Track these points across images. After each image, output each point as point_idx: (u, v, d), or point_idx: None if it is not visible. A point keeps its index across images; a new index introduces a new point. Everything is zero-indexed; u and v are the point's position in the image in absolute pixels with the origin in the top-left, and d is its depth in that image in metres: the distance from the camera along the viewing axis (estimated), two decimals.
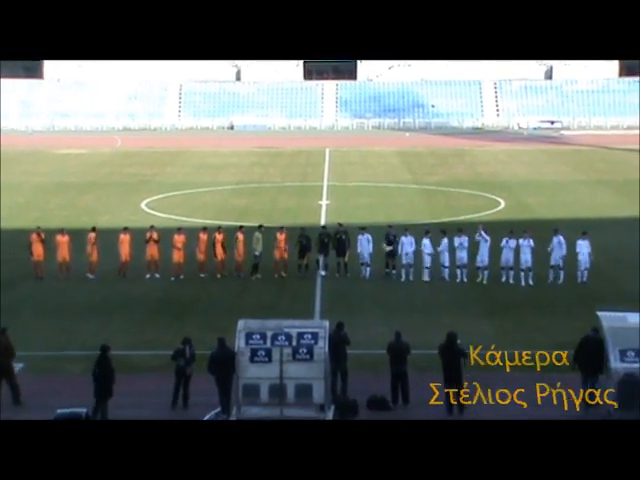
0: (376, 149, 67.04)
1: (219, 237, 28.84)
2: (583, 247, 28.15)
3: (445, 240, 28.65)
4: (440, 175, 53.24)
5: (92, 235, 29.21)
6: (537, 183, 49.50)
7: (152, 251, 29.15)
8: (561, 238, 28.56)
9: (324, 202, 43.81)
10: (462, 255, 28.59)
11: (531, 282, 28.20)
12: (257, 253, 28.47)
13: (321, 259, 29.35)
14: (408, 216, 38.91)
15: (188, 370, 18.58)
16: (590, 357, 17.73)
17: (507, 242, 28.15)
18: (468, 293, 27.54)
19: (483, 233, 28.63)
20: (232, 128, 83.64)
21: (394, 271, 28.96)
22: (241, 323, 18.27)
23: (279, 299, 27.12)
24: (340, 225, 30.25)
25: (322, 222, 37.82)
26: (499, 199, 44.00)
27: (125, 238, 29.10)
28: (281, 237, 28.83)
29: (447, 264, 28.58)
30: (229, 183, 50.46)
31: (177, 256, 28.68)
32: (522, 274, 28.29)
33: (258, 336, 17.79)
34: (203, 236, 28.89)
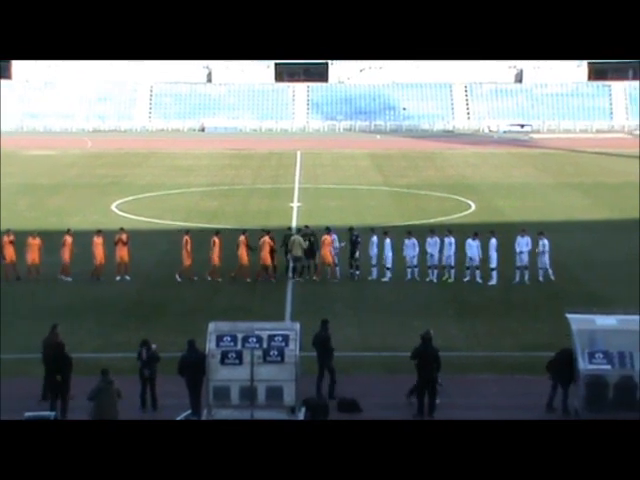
0: (347, 151, 67.17)
1: (243, 239, 28.68)
2: (540, 246, 28.55)
3: (413, 240, 28.99)
4: (411, 177, 53.48)
5: (68, 237, 29.03)
6: (507, 186, 49.87)
7: (121, 253, 29.01)
8: (529, 239, 28.92)
9: (295, 204, 43.88)
10: (433, 255, 28.92)
11: (494, 282, 28.59)
12: (298, 255, 28.51)
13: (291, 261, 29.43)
14: (379, 218, 39.06)
15: (145, 372, 18.46)
16: (564, 366, 17.71)
17: (473, 241, 28.66)
18: (437, 293, 27.74)
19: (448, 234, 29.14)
20: (203, 130, 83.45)
21: (357, 272, 29.15)
22: (212, 325, 18.27)
23: (250, 302, 27.13)
24: (307, 227, 30.33)
25: (293, 224, 37.96)
26: (469, 202, 44.34)
27: (99, 241, 28.96)
28: (267, 240, 28.75)
29: (414, 263, 28.97)
30: (200, 185, 50.37)
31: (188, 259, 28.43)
32: (491, 274, 28.75)
33: (229, 338, 17.79)
34: (217, 240, 28.71)
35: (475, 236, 29.10)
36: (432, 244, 29.14)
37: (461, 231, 30.58)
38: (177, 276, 28.66)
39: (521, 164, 60.13)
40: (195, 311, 25.86)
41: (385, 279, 29.22)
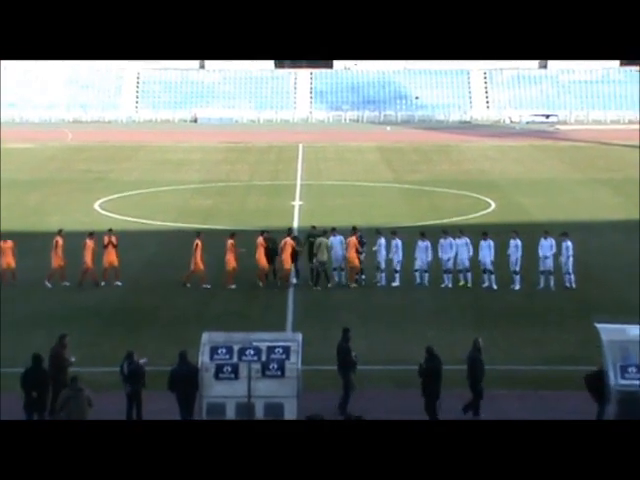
0: (354, 144, 67.25)
1: (262, 241, 28.79)
2: (563, 249, 28.65)
3: (426, 243, 29.06)
4: (424, 173, 53.54)
5: (59, 239, 29.06)
6: (530, 182, 49.88)
7: (111, 257, 28.98)
8: (553, 241, 28.95)
9: (297, 203, 43.90)
10: (446, 259, 28.98)
11: (517, 287, 28.65)
12: (324, 259, 28.70)
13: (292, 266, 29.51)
14: (388, 218, 39.10)
15: (126, 388, 18.36)
16: (600, 381, 17.61)
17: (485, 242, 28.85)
18: (453, 300, 27.80)
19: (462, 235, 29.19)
20: (195, 121, 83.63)
21: (363, 276, 29.22)
22: (205, 336, 18.29)
23: (248, 309, 27.18)
24: (314, 228, 30.37)
25: (295, 224, 37.97)
26: (488, 200, 44.34)
27: (91, 244, 28.89)
28: (261, 241, 28.89)
29: (425, 268, 29.05)
30: (192, 182, 50.46)
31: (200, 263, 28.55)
32: (513, 278, 28.85)
33: (224, 350, 17.82)
34: (231, 242, 28.82)
35: (485, 236, 29.15)
36: (446, 246, 29.18)
37: (479, 232, 30.59)
38: (185, 283, 28.75)
39: (546, 158, 60.16)
40: (187, 320, 25.92)
41: (395, 284, 29.27)
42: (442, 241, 29.34)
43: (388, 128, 79.20)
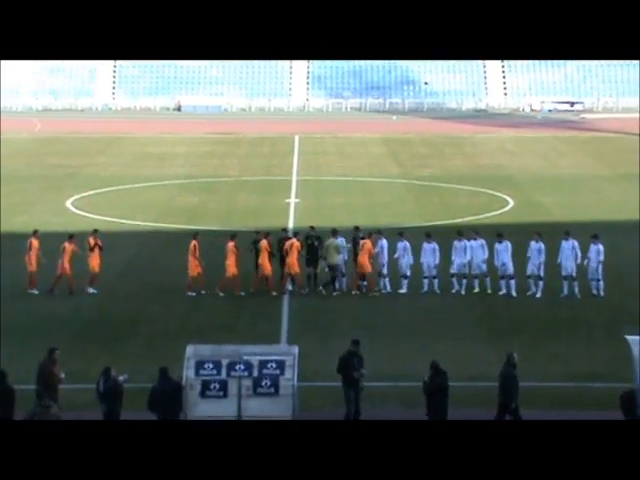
0: (356, 136, 67.34)
1: (265, 244, 28.81)
2: (593, 253, 28.74)
3: (433, 245, 29.10)
4: (434, 168, 53.63)
5: (34, 241, 29.10)
6: (553, 178, 50.00)
7: (96, 261, 29.02)
8: (575, 243, 28.98)
9: (293, 201, 43.99)
10: (461, 262, 29.01)
11: (539, 294, 28.70)
12: (335, 262, 28.84)
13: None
14: (395, 218, 39.16)
15: (102, 407, 18.28)
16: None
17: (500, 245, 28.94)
18: (467, 309, 27.83)
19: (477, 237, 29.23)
20: (179, 109, 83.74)
21: (365, 282, 29.33)
22: (190, 349, 18.29)
23: (237, 319, 27.20)
24: (312, 229, 30.42)
25: (290, 224, 38.01)
26: (506, 197, 44.40)
27: (70, 248, 28.95)
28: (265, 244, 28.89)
29: (433, 273, 29.09)
30: (176, 177, 50.56)
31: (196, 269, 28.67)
32: (531, 282, 28.87)
33: (211, 365, 17.82)
34: (232, 245, 28.85)
35: (501, 238, 29.18)
36: (460, 249, 29.21)
37: (494, 233, 30.58)
38: (188, 292, 28.79)
39: (570, 151, 60.24)
40: (169, 331, 25.92)
41: (402, 290, 29.30)
42: (456, 243, 29.37)
43: (394, 118, 79.30)
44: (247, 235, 30.76)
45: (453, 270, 29.25)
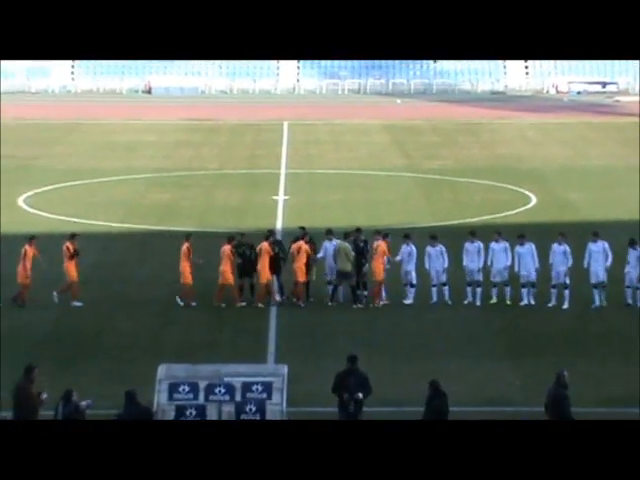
0: (355, 122, 67.38)
1: (267, 248, 28.96)
2: (632, 258, 28.84)
3: (439, 248, 29.17)
4: (445, 159, 53.75)
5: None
6: (582, 171, 50.16)
7: (74, 269, 29.21)
8: (605, 245, 29.03)
9: (281, 197, 44.08)
10: (474, 268, 29.07)
11: (566, 305, 28.79)
12: (347, 269, 28.94)
13: (275, 279, 29.52)
14: (400, 217, 39.17)
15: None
16: None
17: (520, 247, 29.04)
18: (483, 323, 27.87)
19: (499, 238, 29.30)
20: (149, 92, 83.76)
21: (365, 292, 29.38)
22: (162, 369, 18.30)
23: (218, 335, 27.23)
24: (303, 230, 30.47)
25: (278, 224, 37.94)
26: (528, 193, 44.51)
27: (31, 252, 29.02)
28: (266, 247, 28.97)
29: (443, 280, 29.26)
30: (146, 170, 50.58)
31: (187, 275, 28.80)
32: (553, 291, 28.99)
33: (187, 387, 17.83)
34: (228, 249, 28.97)
35: (523, 240, 29.23)
36: (472, 252, 29.30)
37: (515, 234, 30.62)
38: (178, 299, 28.85)
39: (602, 139, 60.35)
40: (138, 349, 25.96)
41: (408, 301, 29.35)
42: (468, 246, 29.46)
43: (399, 101, 79.37)
44: (221, 238, 30.69)
45: (468, 279, 29.30)
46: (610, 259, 28.96)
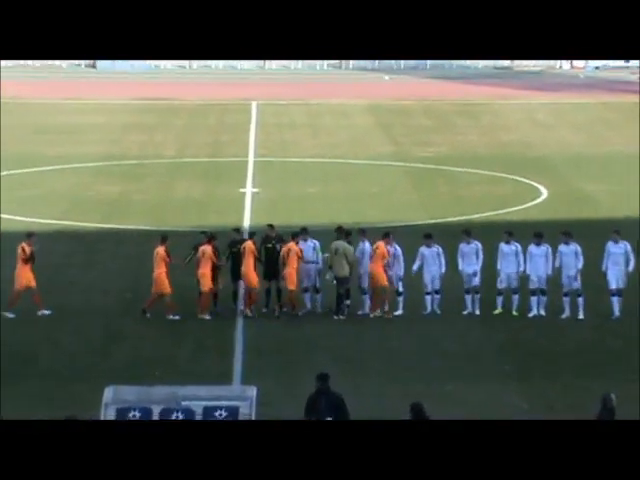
0: (335, 102, 67.34)
1: (251, 247, 29.17)
2: None
3: (435, 249, 29.27)
4: (440, 146, 53.86)
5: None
6: (600, 160, 50.36)
7: (30, 273, 29.29)
8: (627, 246, 29.04)
9: (249, 190, 44.15)
10: (471, 272, 29.13)
11: (581, 316, 28.97)
12: (345, 274, 29.09)
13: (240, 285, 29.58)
14: (388, 213, 39.23)
15: None
16: None
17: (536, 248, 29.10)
18: (484, 337, 27.90)
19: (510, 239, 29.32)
20: (94, 66, 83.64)
21: (348, 302, 29.52)
22: (109, 392, 18.25)
23: (175, 351, 27.19)
24: (271, 228, 30.46)
25: (246, 221, 37.94)
26: (538, 186, 44.67)
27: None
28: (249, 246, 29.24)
29: (430, 288, 29.33)
30: (90, 158, 50.41)
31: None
32: (566, 300, 29.08)
33: (138, 413, 17.82)
34: (210, 250, 29.10)
35: (539, 239, 29.25)
36: (469, 254, 29.35)
37: (525, 233, 30.68)
38: (170, 316, 28.92)
39: (623, 122, 60.40)
40: (80, 368, 25.88)
41: (397, 312, 29.38)
42: (463, 247, 29.51)
43: (387, 78, 79.39)
44: (185, 237, 30.64)
45: (465, 285, 29.33)
46: (633, 263, 29.00)
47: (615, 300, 29.14)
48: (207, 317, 28.94)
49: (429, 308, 29.46)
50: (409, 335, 28.37)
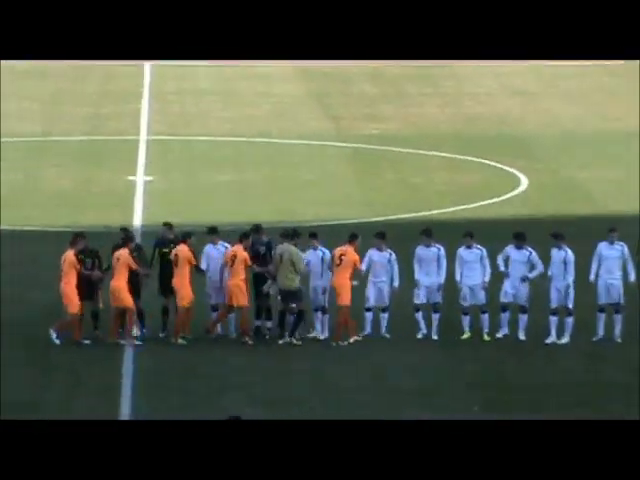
0: (254, 65, 67.14)
1: (240, 253, 29.45)
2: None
3: (387, 255, 29.53)
4: (390, 121, 54.27)
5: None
6: (596, 139, 50.79)
7: None
8: (625, 249, 29.14)
9: (141, 178, 44.34)
10: (429, 284, 29.48)
11: (565, 339, 29.26)
12: (291, 287, 29.44)
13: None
14: (324, 208, 39.55)
15: None
16: None
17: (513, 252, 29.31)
18: (446, 367, 28.11)
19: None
20: None
21: (269, 324, 29.81)
22: None
23: (43, 392, 27.11)
24: (169, 228, 30.37)
25: (136, 219, 38.17)
26: (516, 172, 45.04)
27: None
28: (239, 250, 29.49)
29: (373, 302, 29.67)
30: None
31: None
32: (553, 320, 29.33)
33: None
34: (124, 254, 29.22)
35: (521, 241, 29.49)
36: (428, 261, 29.61)
37: (499, 234, 30.82)
38: (53, 333, 28.95)
39: (627, 91, 60.71)
40: None
41: (322, 335, 29.58)
42: (421, 251, 29.62)
43: None
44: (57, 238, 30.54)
45: (419, 300, 29.60)
46: (633, 274, 29.13)
47: (601, 317, 29.38)
48: (182, 341, 29.38)
49: (369, 329, 29.49)
50: (346, 365, 28.34)
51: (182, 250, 29.32)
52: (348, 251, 29.34)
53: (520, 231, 29.80)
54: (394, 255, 29.67)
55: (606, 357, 28.98)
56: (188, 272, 29.36)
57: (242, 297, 29.38)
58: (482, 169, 46.01)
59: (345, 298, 29.36)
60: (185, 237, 29.69)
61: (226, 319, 29.78)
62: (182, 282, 29.33)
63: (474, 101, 58.58)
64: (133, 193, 42.45)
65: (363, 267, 29.65)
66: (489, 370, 28.46)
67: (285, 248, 29.44)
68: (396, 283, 29.59)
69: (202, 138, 51.10)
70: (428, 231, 30.25)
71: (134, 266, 29.16)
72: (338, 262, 29.34)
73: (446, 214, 39.17)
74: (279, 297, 29.57)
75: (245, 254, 29.36)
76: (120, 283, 29.14)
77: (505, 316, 29.47)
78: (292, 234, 29.79)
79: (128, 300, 29.19)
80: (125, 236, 29.93)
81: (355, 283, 29.48)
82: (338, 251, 29.42)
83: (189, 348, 29.28)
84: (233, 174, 45.08)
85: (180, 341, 29.37)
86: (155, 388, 27.41)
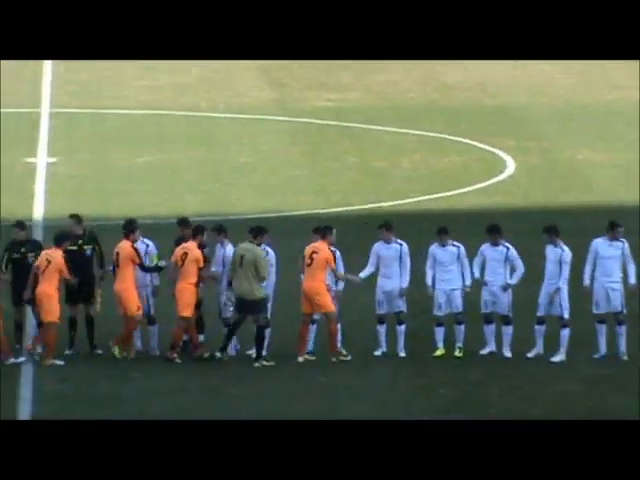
0: None
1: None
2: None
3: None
4: (348, 91, 54.80)
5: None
6: (596, 114, 51.38)
7: None
8: (625, 247, 29.09)
9: (42, 160, 44.58)
10: (391, 287, 29.29)
11: (559, 358, 29.21)
12: (261, 296, 29.72)
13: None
14: (266, 197, 39.91)
15: None
16: None
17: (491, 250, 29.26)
18: (413, 394, 27.77)
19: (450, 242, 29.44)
20: None
21: (202, 336, 29.62)
22: None
23: None
24: (77, 221, 30.26)
25: (37, 209, 38.25)
26: (501, 154, 45.42)
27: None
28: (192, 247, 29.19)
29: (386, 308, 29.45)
30: None
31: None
32: (539, 330, 29.32)
33: None
34: (56, 255, 29.29)
35: (495, 235, 29.20)
36: (390, 260, 29.58)
37: (482, 225, 30.73)
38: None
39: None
40: None
41: (257, 363, 29.15)
42: (380, 248, 29.50)
43: None
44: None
45: (381, 311, 29.46)
46: (633, 271, 29.16)
47: (600, 329, 29.34)
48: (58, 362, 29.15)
49: (383, 345, 29.40)
50: (284, 389, 28.20)
51: (124, 247, 29.43)
52: (322, 249, 29.22)
53: (494, 223, 29.68)
54: (405, 246, 29.53)
55: (610, 378, 29.00)
56: (132, 273, 29.50)
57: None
58: (460, 149, 46.28)
59: (327, 304, 29.43)
60: (196, 233, 29.78)
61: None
62: (127, 287, 29.52)
63: (449, 66, 58.53)
64: (33, 178, 42.62)
65: (370, 266, 29.83)
66: (469, 392, 28.27)
67: (246, 248, 29.33)
68: (405, 284, 29.45)
69: (115, 111, 51.34)
70: (388, 225, 30.13)
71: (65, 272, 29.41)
72: (309, 262, 29.32)
73: (414, 204, 39.20)
74: (231, 307, 29.63)
75: (199, 253, 29.52)
76: (48, 289, 29.34)
77: (490, 329, 29.40)
78: (257, 231, 29.69)
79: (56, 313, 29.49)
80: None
81: (337, 288, 29.64)
82: (310, 248, 29.27)
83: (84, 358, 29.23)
84: (153, 155, 45.38)
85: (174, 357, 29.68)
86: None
